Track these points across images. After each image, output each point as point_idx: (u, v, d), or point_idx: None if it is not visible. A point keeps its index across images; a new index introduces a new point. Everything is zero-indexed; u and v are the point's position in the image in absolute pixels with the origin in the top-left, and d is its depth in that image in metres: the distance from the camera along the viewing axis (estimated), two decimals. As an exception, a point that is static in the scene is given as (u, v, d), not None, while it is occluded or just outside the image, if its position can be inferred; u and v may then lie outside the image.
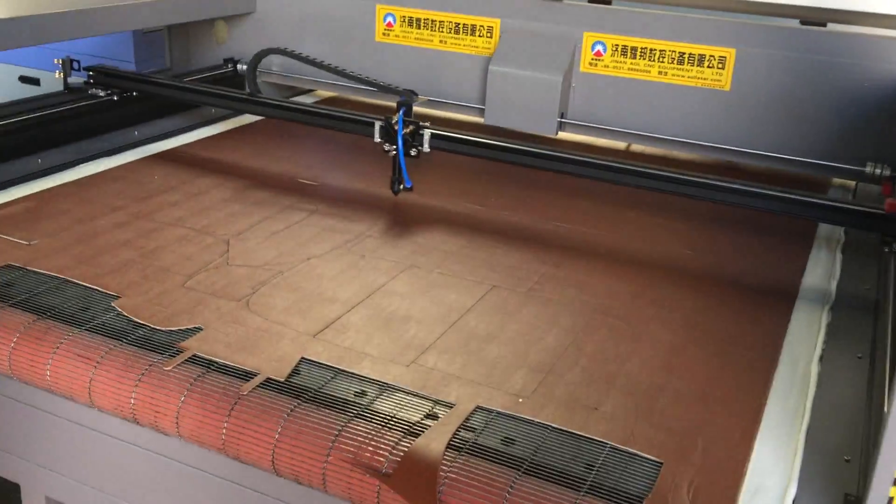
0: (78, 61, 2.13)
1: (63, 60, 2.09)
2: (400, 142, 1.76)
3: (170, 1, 2.29)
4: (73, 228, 1.63)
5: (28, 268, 1.45)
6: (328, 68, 2.07)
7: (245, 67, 2.46)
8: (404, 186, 1.80)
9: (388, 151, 1.80)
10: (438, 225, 1.76)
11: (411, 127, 1.79)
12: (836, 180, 2.14)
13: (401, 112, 1.78)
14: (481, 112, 2.28)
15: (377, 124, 1.81)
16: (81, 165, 1.98)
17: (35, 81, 2.91)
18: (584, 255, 1.67)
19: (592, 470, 1.04)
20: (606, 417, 1.15)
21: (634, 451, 1.08)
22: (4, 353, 1.27)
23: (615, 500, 1.00)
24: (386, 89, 2.00)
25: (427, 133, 1.79)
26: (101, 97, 2.10)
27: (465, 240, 1.70)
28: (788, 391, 1.24)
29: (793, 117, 2.02)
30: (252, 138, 2.27)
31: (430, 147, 1.80)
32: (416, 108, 2.38)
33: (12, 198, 1.77)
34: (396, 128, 1.76)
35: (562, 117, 2.19)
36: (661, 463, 1.06)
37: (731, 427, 1.15)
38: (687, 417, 1.16)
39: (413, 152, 1.80)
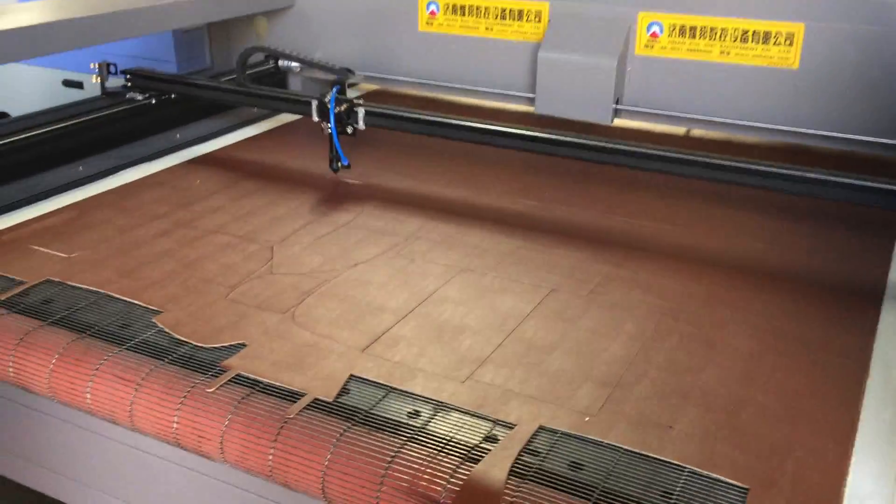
0: (115, 64, 2.09)
1: (100, 65, 2.05)
2: (332, 119, 1.78)
3: (209, -2, 2.24)
4: (113, 239, 1.58)
5: (68, 282, 1.40)
6: (303, 61, 2.20)
7: (287, 64, 2.41)
8: (341, 164, 1.82)
9: (324, 130, 1.81)
10: (491, 224, 1.67)
11: (345, 105, 1.80)
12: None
13: (333, 90, 1.79)
14: (531, 101, 2.17)
15: (313, 103, 1.82)
16: (122, 172, 1.93)
17: (79, 85, 2.89)
18: (648, 253, 1.56)
19: (671, 498, 0.95)
20: (682, 437, 1.05)
21: (716, 476, 0.98)
22: (44, 375, 1.22)
23: (698, 533, 0.90)
24: (321, 67, 2.09)
25: (361, 110, 1.80)
26: (139, 101, 2.04)
27: (521, 240, 1.60)
28: (883, 402, 1.13)
29: (867, 96, 1.88)
30: (294, 138, 2.20)
31: (366, 125, 1.81)
32: (463, 99, 2.34)
33: (53, 208, 1.73)
34: (329, 106, 1.77)
35: (617, 103, 2.08)
36: (748, 489, 0.96)
37: (823, 446, 1.04)
38: (772, 436, 1.06)
39: (349, 130, 1.82)
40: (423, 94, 2.37)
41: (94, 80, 2.07)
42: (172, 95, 2.08)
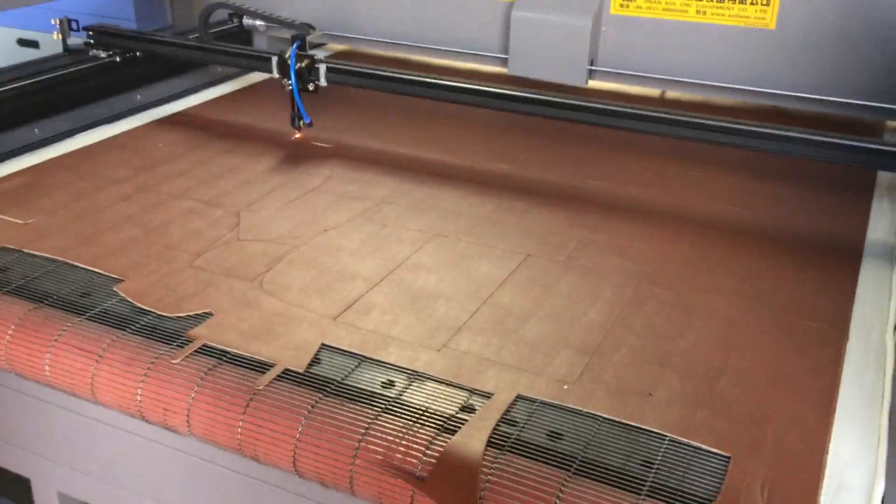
0: (77, 21, 2.00)
1: (61, 21, 1.96)
2: (293, 76, 1.73)
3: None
4: (72, 204, 1.51)
5: (25, 250, 1.35)
6: (262, 16, 2.15)
7: (252, 22, 2.34)
8: (303, 122, 1.79)
9: (285, 87, 1.77)
10: (465, 188, 1.63)
11: (306, 61, 1.76)
12: (893, 123, 1.98)
13: (294, 45, 1.75)
14: (505, 62, 2.12)
15: (273, 59, 1.78)
16: (80, 134, 1.85)
17: (34, 44, 2.78)
18: (625, 217, 1.54)
19: (652, 468, 0.93)
20: (662, 405, 1.03)
21: (697, 445, 0.96)
22: (1, 346, 1.16)
23: (681, 503, 0.88)
24: (282, 23, 2.04)
25: (322, 67, 1.76)
26: (103, 59, 1.96)
27: (494, 203, 1.57)
28: (864, 366, 1.12)
29: (844, 56, 1.86)
30: (261, 99, 2.13)
31: (327, 81, 1.77)
32: (435, 60, 2.28)
33: (8, 172, 1.65)
34: (290, 62, 1.73)
35: (591, 65, 2.04)
36: (729, 457, 0.95)
37: (804, 412, 1.03)
38: (753, 402, 1.04)
39: (311, 87, 1.77)
40: (392, 54, 2.31)
41: (55, 38, 1.98)
42: (137, 53, 2.00)
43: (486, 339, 1.16)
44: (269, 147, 1.81)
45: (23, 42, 2.79)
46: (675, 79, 2.01)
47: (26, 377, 1.17)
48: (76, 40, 2.02)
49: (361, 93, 1.86)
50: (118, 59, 1.98)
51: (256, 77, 2.25)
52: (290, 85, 1.74)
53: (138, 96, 2.03)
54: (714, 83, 1.98)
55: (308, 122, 1.78)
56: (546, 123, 1.71)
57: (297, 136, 1.85)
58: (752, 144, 1.51)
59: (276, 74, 1.78)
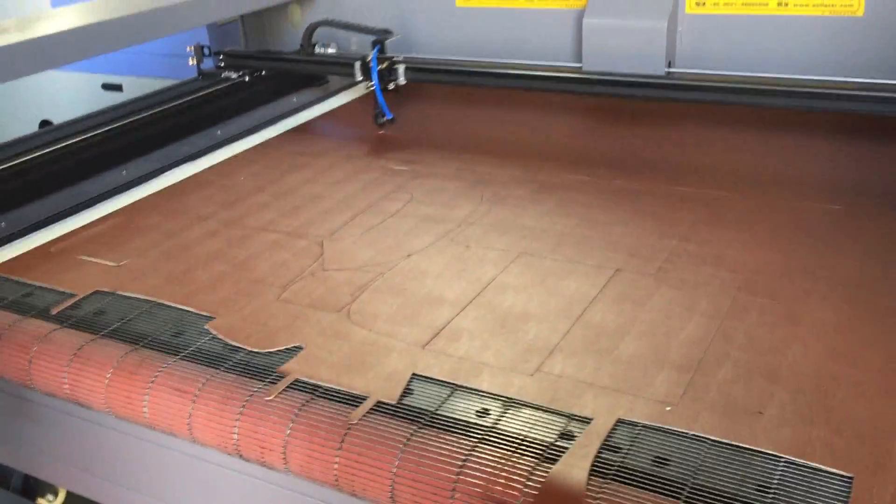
0: (209, 47, 2.23)
1: (195, 47, 2.18)
2: (375, 76, 1.95)
3: (241, -11, 2.20)
4: (162, 244, 1.55)
5: (118, 292, 1.38)
6: (350, 26, 2.24)
7: (326, 49, 2.39)
8: (386, 119, 1.98)
9: (369, 88, 1.99)
10: (546, 202, 1.60)
11: (386, 62, 1.98)
12: None
13: (375, 49, 1.97)
14: (579, 72, 2.08)
15: (356, 64, 2.01)
16: (166, 174, 1.90)
17: (118, 88, 2.88)
18: (715, 223, 1.48)
19: (769, 492, 0.87)
20: (774, 423, 0.98)
21: (816, 465, 0.91)
22: (101, 390, 1.19)
23: (802, 530, 0.83)
24: (364, 30, 2.18)
25: (401, 67, 1.96)
26: (234, 79, 2.20)
27: (577, 218, 1.53)
28: None
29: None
30: (336, 128, 2.15)
31: (406, 79, 1.98)
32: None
33: (100, 214, 1.70)
34: (371, 65, 1.95)
35: (669, 66, 1.98)
36: (852, 477, 0.88)
37: (930, 425, 0.96)
38: (871, 416, 0.98)
39: (391, 86, 1.98)
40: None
41: (190, 63, 2.22)
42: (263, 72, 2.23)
43: (581, 360, 1.12)
44: (346, 175, 1.82)
45: (107, 86, 2.90)
46: (760, 75, 1.93)
47: (126, 419, 1.19)
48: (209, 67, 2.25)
49: (436, 113, 1.85)
50: (246, 79, 2.22)
51: (328, 106, 2.27)
52: (373, 85, 1.94)
53: (218, 132, 2.07)
54: (801, 76, 1.89)
55: (391, 117, 1.96)
56: (623, 130, 1.67)
57: (382, 132, 2.02)
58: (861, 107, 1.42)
59: (359, 77, 1.98)
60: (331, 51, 2.42)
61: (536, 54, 2.17)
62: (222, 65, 2.21)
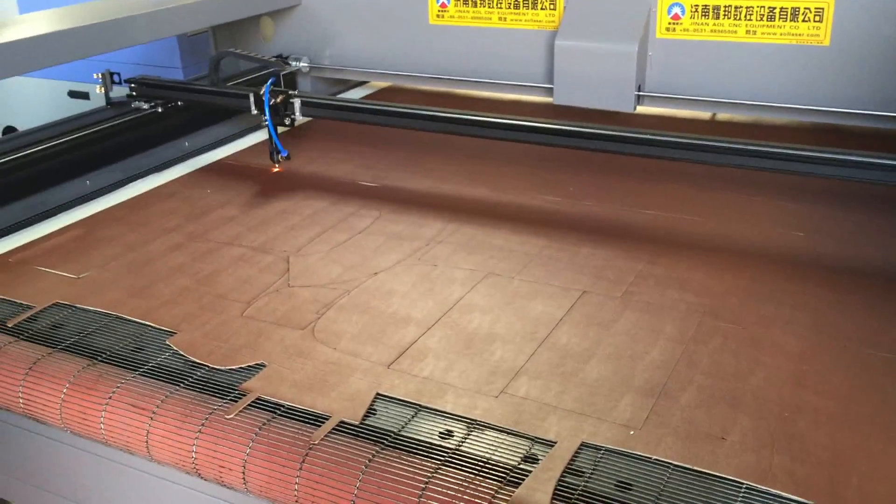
0: (118, 74, 2.03)
1: (103, 74, 1.98)
2: (267, 111, 1.80)
3: (213, 1, 2.17)
4: (124, 256, 1.52)
5: (77, 305, 1.35)
6: (251, 58, 2.19)
7: (299, 63, 2.39)
8: (281, 156, 1.86)
9: (262, 122, 1.84)
10: (514, 224, 1.60)
11: (281, 96, 1.82)
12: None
13: (268, 82, 1.82)
14: (550, 91, 2.10)
15: (251, 96, 1.84)
16: (130, 185, 1.87)
17: (84, 95, 2.84)
18: (682, 248, 1.49)
19: (729, 519, 0.88)
20: (736, 449, 0.98)
21: (777, 492, 0.91)
22: (55, 405, 1.16)
23: (763, 558, 0.83)
24: (258, 60, 2.14)
25: (297, 101, 1.83)
26: (145, 110, 1.98)
27: (546, 238, 1.53)
28: (950, 401, 1.05)
29: (902, 70, 1.79)
30: (305, 141, 2.13)
31: (302, 115, 1.86)
32: (479, 93, 2.26)
33: (60, 226, 1.67)
34: (264, 99, 1.80)
35: (639, 90, 2.00)
36: (812, 505, 0.89)
37: (889, 452, 0.97)
38: (833, 444, 0.98)
39: (287, 122, 1.85)
40: (436, 88, 2.30)
41: (98, 91, 2.01)
42: (179, 103, 2.02)
43: (546, 383, 1.12)
44: (314, 190, 1.81)
45: (73, 94, 2.86)
46: (726, 100, 1.96)
47: (82, 436, 1.16)
48: (120, 91, 2.04)
49: (404, 132, 1.84)
50: (159, 110, 2.00)
51: (299, 120, 2.25)
52: (266, 121, 1.81)
53: (186, 143, 2.05)
54: (766, 103, 1.93)
55: (285, 154, 1.85)
56: (593, 154, 1.68)
57: (276, 169, 1.91)
58: (812, 170, 1.46)
59: (253, 111, 1.85)
60: (303, 65, 2.42)
61: (509, 74, 2.18)
62: (133, 94, 2.01)
